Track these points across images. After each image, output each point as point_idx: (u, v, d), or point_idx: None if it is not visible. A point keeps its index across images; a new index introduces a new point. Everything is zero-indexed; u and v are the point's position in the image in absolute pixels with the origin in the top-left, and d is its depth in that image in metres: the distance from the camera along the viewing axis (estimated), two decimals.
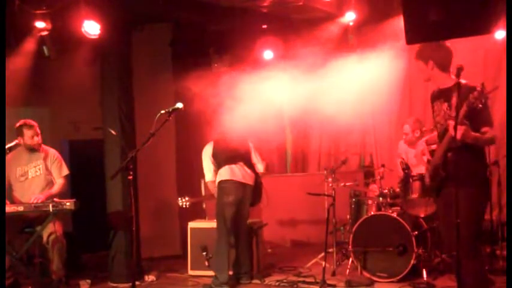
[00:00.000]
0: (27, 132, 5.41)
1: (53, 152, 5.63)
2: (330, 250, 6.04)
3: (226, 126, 5.43)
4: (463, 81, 3.85)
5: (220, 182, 5.53)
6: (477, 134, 3.71)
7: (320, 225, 5.49)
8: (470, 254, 3.75)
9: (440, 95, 3.96)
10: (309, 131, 8.31)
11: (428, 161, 4.12)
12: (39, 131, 5.50)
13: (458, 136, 3.59)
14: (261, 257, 6.06)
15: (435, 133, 4.37)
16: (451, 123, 3.65)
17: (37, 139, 5.46)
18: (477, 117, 3.69)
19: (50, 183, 5.53)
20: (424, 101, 7.44)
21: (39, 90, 6.84)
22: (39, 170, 5.50)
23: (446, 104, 3.88)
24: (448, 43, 4.04)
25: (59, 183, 5.54)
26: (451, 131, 3.63)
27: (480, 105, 3.56)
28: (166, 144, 7.12)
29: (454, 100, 3.76)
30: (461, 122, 3.61)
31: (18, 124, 5.44)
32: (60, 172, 5.58)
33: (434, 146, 4.23)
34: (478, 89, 3.55)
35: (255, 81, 6.39)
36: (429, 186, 4.12)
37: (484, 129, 3.76)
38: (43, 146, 5.62)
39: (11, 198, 5.44)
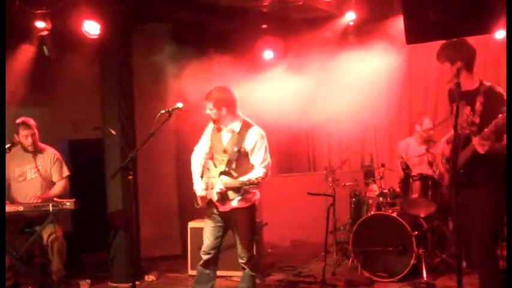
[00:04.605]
0: (22, 132, 5.36)
1: (52, 152, 5.58)
2: (330, 250, 6.05)
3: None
4: (487, 83, 3.75)
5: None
6: (502, 146, 3.59)
7: (320, 225, 5.48)
8: (486, 256, 3.73)
9: (462, 97, 3.78)
10: (308, 131, 8.31)
11: (448, 160, 4.05)
12: (36, 132, 5.45)
13: (482, 151, 3.55)
14: (261, 257, 6.05)
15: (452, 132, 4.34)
16: (476, 140, 3.57)
17: (30, 140, 5.38)
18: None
19: (49, 184, 5.48)
20: (424, 101, 7.46)
21: (39, 90, 6.83)
22: (37, 171, 5.45)
23: (469, 108, 3.75)
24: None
25: (59, 185, 5.51)
26: (477, 148, 3.56)
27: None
28: (166, 144, 7.12)
29: (478, 105, 3.67)
30: (488, 138, 3.53)
31: (18, 121, 5.40)
32: (60, 173, 5.54)
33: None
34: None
35: (255, 81, 6.40)
36: (447, 186, 4.08)
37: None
38: (41, 145, 5.57)
39: (10, 198, 5.41)
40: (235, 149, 4.34)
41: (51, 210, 5.07)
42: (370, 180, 6.54)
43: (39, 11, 5.67)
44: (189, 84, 5.64)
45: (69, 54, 6.41)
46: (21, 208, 5.12)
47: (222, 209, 4.45)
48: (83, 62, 6.50)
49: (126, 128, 6.11)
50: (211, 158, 4.60)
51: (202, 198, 4.57)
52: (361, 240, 5.62)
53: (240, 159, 4.36)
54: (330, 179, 6.20)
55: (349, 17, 6.83)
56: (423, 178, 5.58)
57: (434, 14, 4.20)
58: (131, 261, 5.68)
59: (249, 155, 4.36)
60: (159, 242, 7.09)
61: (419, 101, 7.48)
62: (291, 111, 6.39)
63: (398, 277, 5.40)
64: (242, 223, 4.45)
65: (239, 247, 4.50)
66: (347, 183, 6.39)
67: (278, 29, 7.13)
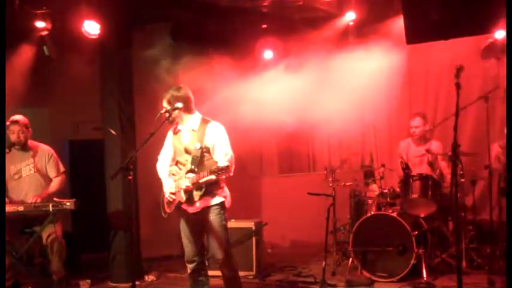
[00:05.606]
0: (10, 128, 5.30)
1: (46, 149, 5.51)
2: (330, 250, 6.05)
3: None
4: None
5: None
6: None
7: (320, 225, 5.48)
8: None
9: None
10: (308, 131, 8.32)
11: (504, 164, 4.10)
12: (26, 128, 5.35)
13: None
14: (261, 257, 6.05)
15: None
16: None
17: (20, 136, 5.29)
18: None
19: (45, 181, 5.44)
20: (424, 101, 7.46)
21: (39, 90, 6.83)
22: (32, 168, 5.40)
23: None
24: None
25: (56, 181, 5.47)
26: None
27: None
28: None
29: None
30: None
31: (7, 122, 5.32)
32: (58, 169, 5.50)
33: None
34: None
35: (255, 81, 6.40)
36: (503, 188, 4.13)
37: None
38: (35, 142, 5.51)
39: (8, 198, 5.37)
40: (198, 146, 4.26)
41: (51, 210, 5.06)
42: (370, 180, 6.54)
43: (39, 11, 5.68)
44: (189, 84, 5.63)
45: (69, 54, 6.41)
46: (21, 208, 5.12)
47: (191, 210, 4.34)
48: (83, 62, 6.50)
49: (126, 128, 6.11)
50: (176, 164, 4.51)
51: (169, 203, 4.44)
52: (361, 240, 5.62)
53: (203, 157, 4.28)
54: (330, 179, 6.20)
55: (349, 17, 6.84)
56: (423, 178, 5.59)
57: (434, 13, 4.20)
58: (131, 261, 5.67)
59: (211, 151, 4.29)
60: (159, 242, 7.08)
61: (419, 101, 7.48)
62: (291, 111, 6.39)
63: (398, 277, 5.39)
64: (212, 222, 4.30)
65: (213, 248, 4.34)
66: (347, 183, 6.39)
67: (278, 29, 7.13)
